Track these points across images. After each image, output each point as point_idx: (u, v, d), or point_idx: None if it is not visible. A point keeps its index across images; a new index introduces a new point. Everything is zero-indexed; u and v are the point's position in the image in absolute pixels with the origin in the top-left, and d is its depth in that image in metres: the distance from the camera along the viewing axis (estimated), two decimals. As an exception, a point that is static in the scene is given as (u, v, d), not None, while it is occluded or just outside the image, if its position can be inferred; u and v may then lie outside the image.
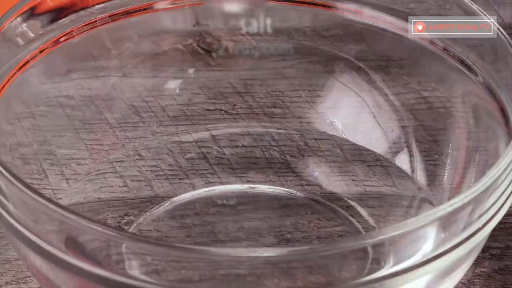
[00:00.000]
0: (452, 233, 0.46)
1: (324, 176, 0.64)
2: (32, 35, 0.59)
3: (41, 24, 0.60)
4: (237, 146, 0.65)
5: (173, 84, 0.68)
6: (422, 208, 0.60)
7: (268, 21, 0.67)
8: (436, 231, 0.46)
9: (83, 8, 0.62)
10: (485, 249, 0.58)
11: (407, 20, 0.61)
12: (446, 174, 0.61)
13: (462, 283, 0.57)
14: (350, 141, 0.65)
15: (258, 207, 0.61)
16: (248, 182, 0.63)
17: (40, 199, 0.45)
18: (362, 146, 0.64)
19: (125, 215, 0.61)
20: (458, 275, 0.50)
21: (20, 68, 0.58)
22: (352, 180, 0.63)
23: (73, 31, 0.61)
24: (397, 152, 0.63)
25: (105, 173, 0.63)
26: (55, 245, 0.46)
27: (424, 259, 0.45)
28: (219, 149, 0.65)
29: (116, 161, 0.64)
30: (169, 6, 0.65)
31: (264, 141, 0.66)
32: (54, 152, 0.62)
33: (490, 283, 0.57)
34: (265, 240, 0.59)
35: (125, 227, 0.60)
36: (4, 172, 0.46)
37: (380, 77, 0.65)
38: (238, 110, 0.67)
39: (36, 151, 0.61)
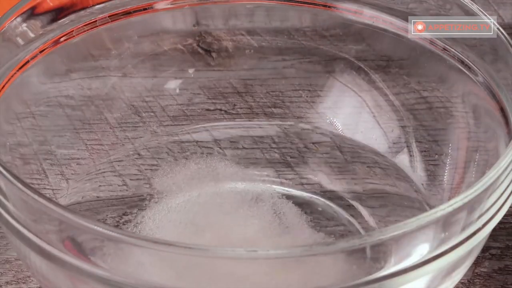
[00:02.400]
0: (452, 233, 0.46)
1: (324, 176, 0.64)
2: (32, 35, 0.59)
3: (41, 24, 0.60)
4: (237, 148, 0.65)
5: (173, 84, 0.68)
6: (422, 208, 0.60)
7: (268, 21, 0.67)
8: (436, 231, 0.46)
9: (83, 8, 0.62)
10: (485, 249, 0.58)
11: (407, 20, 0.61)
12: (446, 174, 0.61)
13: (462, 283, 0.57)
14: (350, 141, 0.65)
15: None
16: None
17: (40, 199, 0.45)
18: (362, 146, 0.64)
19: (124, 214, 0.61)
20: (458, 275, 0.50)
21: (20, 68, 0.58)
22: (352, 179, 0.63)
23: (73, 31, 0.61)
24: (397, 152, 0.63)
25: (105, 172, 0.63)
26: (55, 245, 0.46)
27: (424, 259, 0.45)
28: (220, 150, 0.65)
29: (116, 161, 0.64)
30: (169, 6, 0.65)
31: (264, 142, 0.66)
32: (54, 152, 0.62)
33: (490, 283, 0.57)
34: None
35: (124, 226, 0.60)
36: (4, 172, 0.46)
37: (380, 77, 0.65)
38: (238, 110, 0.67)
39: (36, 151, 0.61)
